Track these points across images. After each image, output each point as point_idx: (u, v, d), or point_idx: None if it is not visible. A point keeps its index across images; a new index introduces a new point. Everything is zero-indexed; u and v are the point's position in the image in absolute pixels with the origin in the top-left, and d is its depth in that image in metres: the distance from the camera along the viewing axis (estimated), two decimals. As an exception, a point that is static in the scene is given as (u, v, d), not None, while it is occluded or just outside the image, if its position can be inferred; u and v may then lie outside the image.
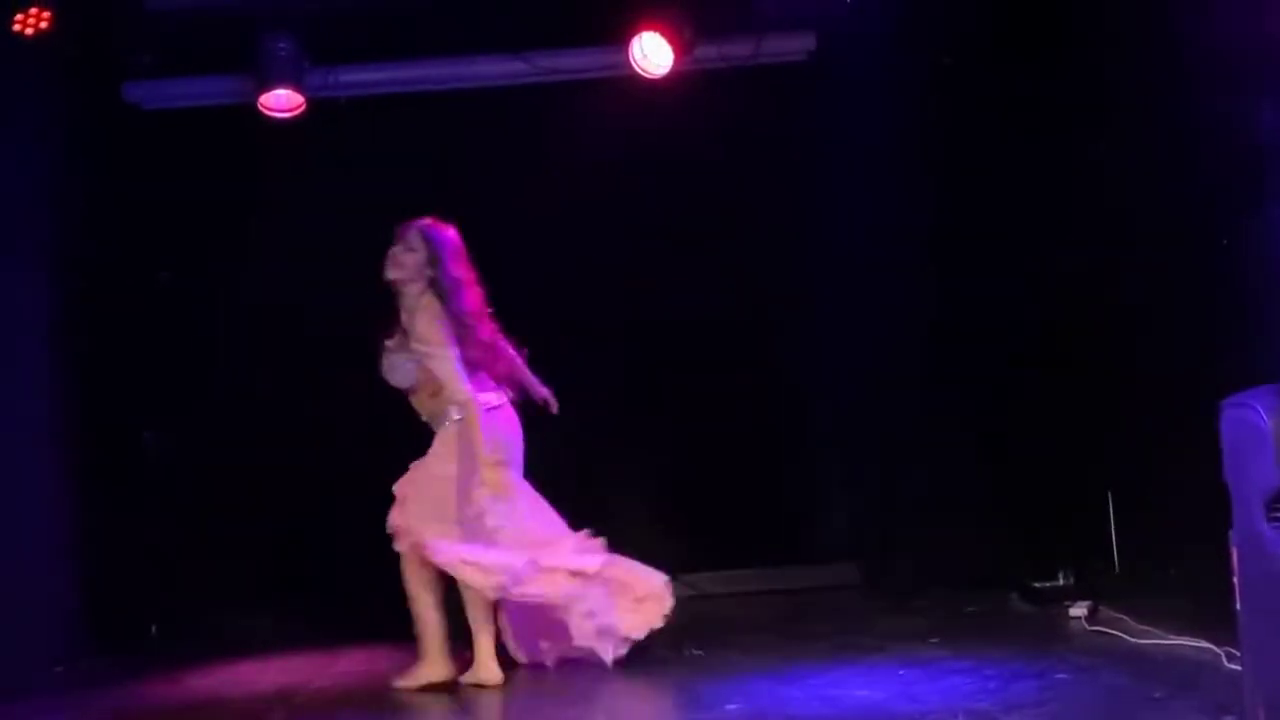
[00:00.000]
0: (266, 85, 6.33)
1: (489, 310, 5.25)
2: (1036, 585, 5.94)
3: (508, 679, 5.07)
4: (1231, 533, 3.24)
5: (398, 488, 5.21)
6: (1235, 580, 3.22)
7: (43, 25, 5.82)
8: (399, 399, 6.87)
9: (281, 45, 6.27)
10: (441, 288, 5.09)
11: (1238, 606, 3.22)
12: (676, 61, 6.36)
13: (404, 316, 5.16)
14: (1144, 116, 4.95)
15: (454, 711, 4.63)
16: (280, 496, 6.88)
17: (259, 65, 6.33)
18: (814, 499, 7.10)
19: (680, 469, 6.93)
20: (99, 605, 6.28)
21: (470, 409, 5.04)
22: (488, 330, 5.21)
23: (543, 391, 5.35)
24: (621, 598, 5.19)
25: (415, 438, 6.83)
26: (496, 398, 5.20)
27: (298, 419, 6.85)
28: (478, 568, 4.95)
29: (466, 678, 5.03)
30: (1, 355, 5.71)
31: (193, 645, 6.36)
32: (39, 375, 6.04)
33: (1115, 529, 5.42)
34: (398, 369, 5.19)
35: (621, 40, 6.41)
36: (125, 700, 5.09)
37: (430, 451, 5.21)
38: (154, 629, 6.78)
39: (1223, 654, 4.14)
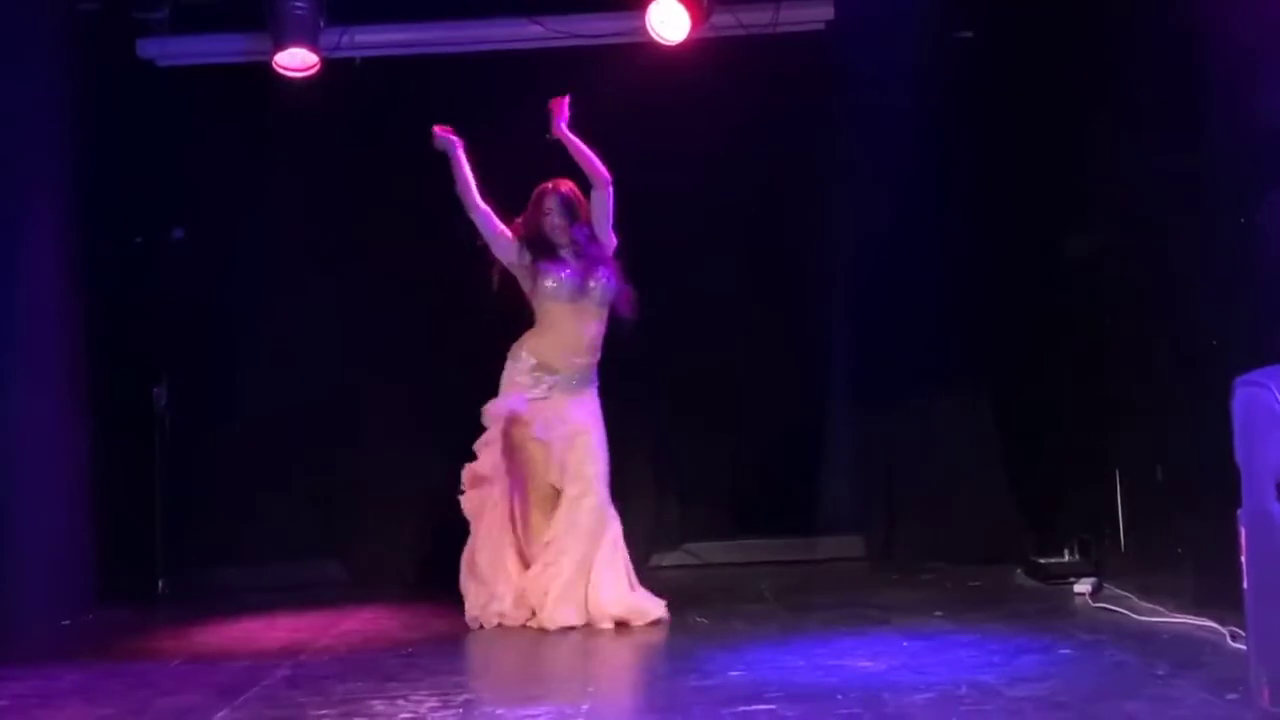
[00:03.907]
0: (281, 44, 6.31)
1: None
2: (1042, 561, 5.95)
3: (513, 646, 5.12)
4: (1240, 511, 3.24)
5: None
6: (1243, 559, 3.22)
7: (59, -21, 5.81)
8: (404, 358, 6.90)
9: (297, 4, 6.24)
10: None
11: (1245, 585, 3.22)
12: (694, 28, 6.33)
13: None
14: (1160, 93, 4.91)
15: (457, 670, 4.64)
16: (291, 454, 6.91)
17: (274, 24, 6.30)
18: (820, 470, 7.10)
19: (686, 439, 6.94)
20: (107, 559, 6.31)
21: None
22: None
23: None
24: None
25: (426, 395, 6.88)
26: None
27: (309, 376, 6.86)
28: None
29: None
30: (12, 308, 5.71)
31: (200, 601, 6.39)
32: (49, 330, 6.05)
33: (1122, 506, 5.42)
34: None
35: (639, 6, 6.37)
36: (131, 654, 5.11)
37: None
38: (161, 584, 6.82)
39: (1227, 633, 4.15)
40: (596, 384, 5.56)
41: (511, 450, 5.46)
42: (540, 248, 5.48)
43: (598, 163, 5.51)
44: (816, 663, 4.30)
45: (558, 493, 5.41)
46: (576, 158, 5.50)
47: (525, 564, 5.44)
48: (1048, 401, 6.13)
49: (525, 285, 5.52)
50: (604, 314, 5.53)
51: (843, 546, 6.90)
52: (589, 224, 5.52)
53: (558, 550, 5.32)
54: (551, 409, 5.43)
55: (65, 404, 6.11)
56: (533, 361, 5.46)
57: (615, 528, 5.43)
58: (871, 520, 6.92)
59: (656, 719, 3.79)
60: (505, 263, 5.51)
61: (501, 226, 5.50)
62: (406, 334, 6.88)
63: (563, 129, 5.49)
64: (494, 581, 5.41)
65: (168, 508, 6.88)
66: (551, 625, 5.24)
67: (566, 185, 5.54)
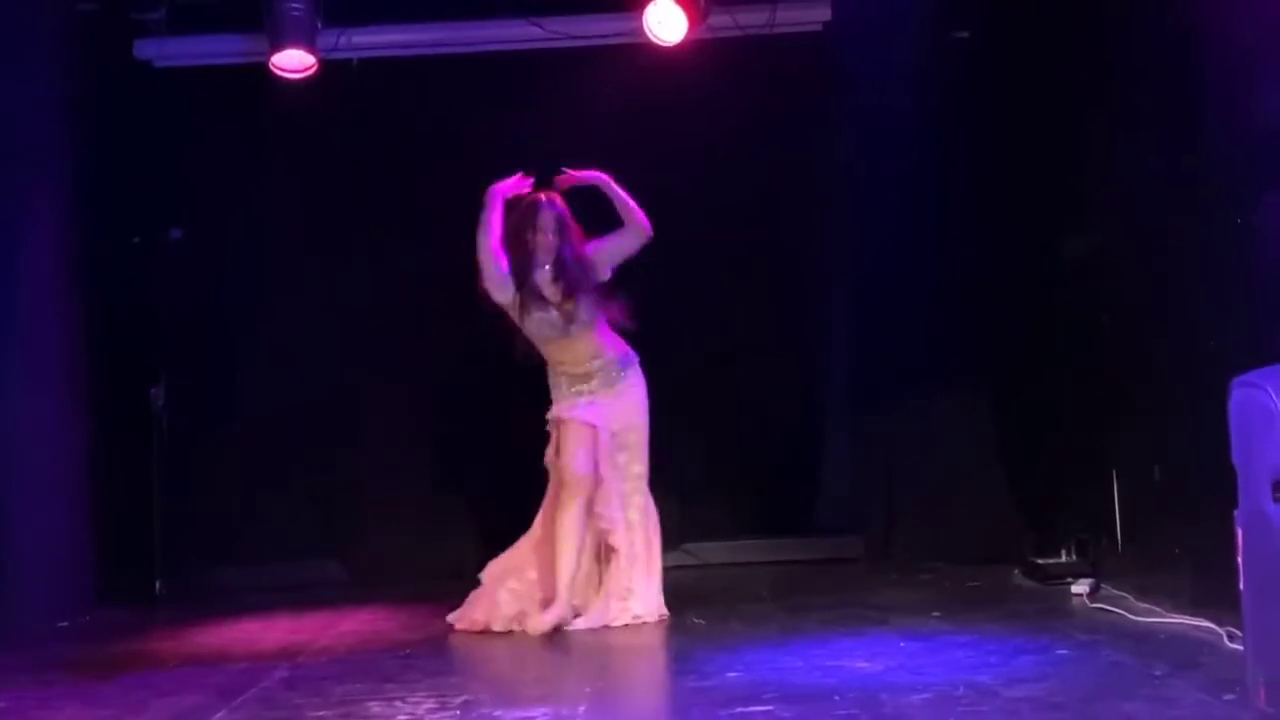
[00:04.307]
0: (278, 45, 6.31)
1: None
2: (1039, 561, 5.94)
3: (511, 647, 5.12)
4: (1237, 512, 3.24)
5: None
6: (1240, 560, 3.22)
7: (57, -21, 5.82)
8: (402, 359, 6.90)
9: (294, 5, 6.25)
10: None
11: (1241, 586, 3.22)
12: (691, 29, 6.33)
13: None
14: (1158, 94, 4.91)
15: (455, 671, 4.64)
16: (290, 454, 6.91)
17: (271, 25, 6.30)
18: (818, 471, 7.11)
19: (685, 439, 6.93)
20: (105, 560, 6.31)
21: None
22: None
23: None
24: None
25: (425, 395, 6.88)
26: None
27: (307, 376, 6.87)
28: None
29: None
30: (11, 309, 5.72)
31: (198, 602, 6.40)
32: (48, 330, 6.05)
33: (1119, 507, 5.42)
34: None
35: (636, 7, 6.38)
36: (129, 655, 5.11)
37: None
38: (159, 585, 6.82)
39: (1224, 634, 4.15)
40: (634, 365, 5.49)
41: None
42: (522, 267, 5.33)
43: (640, 213, 5.41)
44: (814, 663, 4.30)
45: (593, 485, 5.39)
46: (618, 202, 5.39)
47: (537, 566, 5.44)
48: (1046, 402, 6.13)
49: (514, 316, 5.40)
50: (594, 322, 5.43)
51: (841, 547, 6.90)
52: (579, 246, 5.39)
53: (619, 544, 5.37)
54: (604, 402, 5.42)
55: (64, 404, 6.11)
56: (563, 379, 5.44)
57: (656, 520, 5.53)
58: (870, 520, 6.93)
59: (654, 720, 3.79)
60: (497, 299, 5.36)
61: (507, 269, 5.33)
62: (405, 334, 6.89)
63: (588, 178, 5.40)
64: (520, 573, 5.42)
65: (166, 508, 6.89)
66: (616, 622, 5.28)
67: (561, 202, 5.42)
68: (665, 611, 5.40)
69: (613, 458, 5.41)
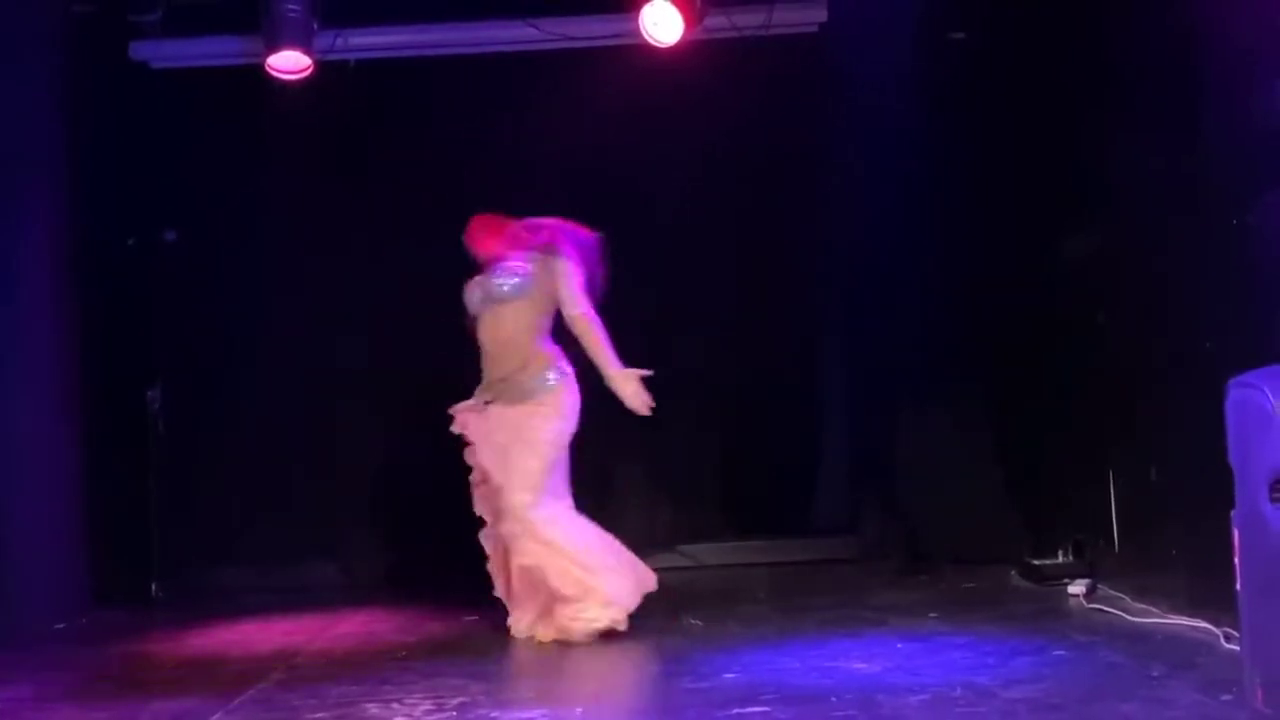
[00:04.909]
0: (274, 46, 6.31)
1: None
2: (1036, 562, 5.95)
3: (508, 649, 5.12)
4: (1234, 513, 3.24)
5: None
6: (1237, 560, 3.22)
7: (53, -20, 5.81)
8: (399, 359, 6.89)
9: (291, 6, 6.24)
10: None
11: (1238, 587, 3.22)
12: (687, 30, 6.32)
13: None
14: (1157, 94, 4.91)
15: (452, 673, 4.63)
16: (286, 456, 6.90)
17: (268, 26, 6.30)
18: (816, 471, 7.10)
19: (680, 441, 6.93)
20: (101, 562, 6.31)
21: None
22: None
23: None
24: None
25: (423, 397, 6.86)
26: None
27: (301, 378, 6.86)
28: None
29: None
30: (6, 312, 5.71)
31: (194, 604, 6.39)
32: (43, 333, 6.04)
33: (1117, 507, 5.42)
34: None
35: (633, 8, 6.37)
36: (125, 658, 5.11)
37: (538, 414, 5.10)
38: (155, 587, 6.82)
39: (1221, 634, 4.15)
40: (558, 385, 5.10)
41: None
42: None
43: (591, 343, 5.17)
44: (812, 665, 4.31)
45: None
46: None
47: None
48: (1043, 403, 6.13)
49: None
50: (520, 309, 5.12)
51: (838, 547, 6.90)
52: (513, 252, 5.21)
53: (525, 560, 5.09)
54: (490, 422, 5.14)
55: (60, 406, 6.11)
56: (484, 379, 5.21)
57: (560, 530, 5.08)
58: (867, 521, 6.93)
59: (651, 722, 3.79)
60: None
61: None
62: (402, 336, 6.88)
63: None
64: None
65: (163, 510, 6.88)
66: (572, 634, 5.05)
67: (472, 228, 5.28)
68: (629, 611, 5.08)
69: (502, 473, 5.05)
